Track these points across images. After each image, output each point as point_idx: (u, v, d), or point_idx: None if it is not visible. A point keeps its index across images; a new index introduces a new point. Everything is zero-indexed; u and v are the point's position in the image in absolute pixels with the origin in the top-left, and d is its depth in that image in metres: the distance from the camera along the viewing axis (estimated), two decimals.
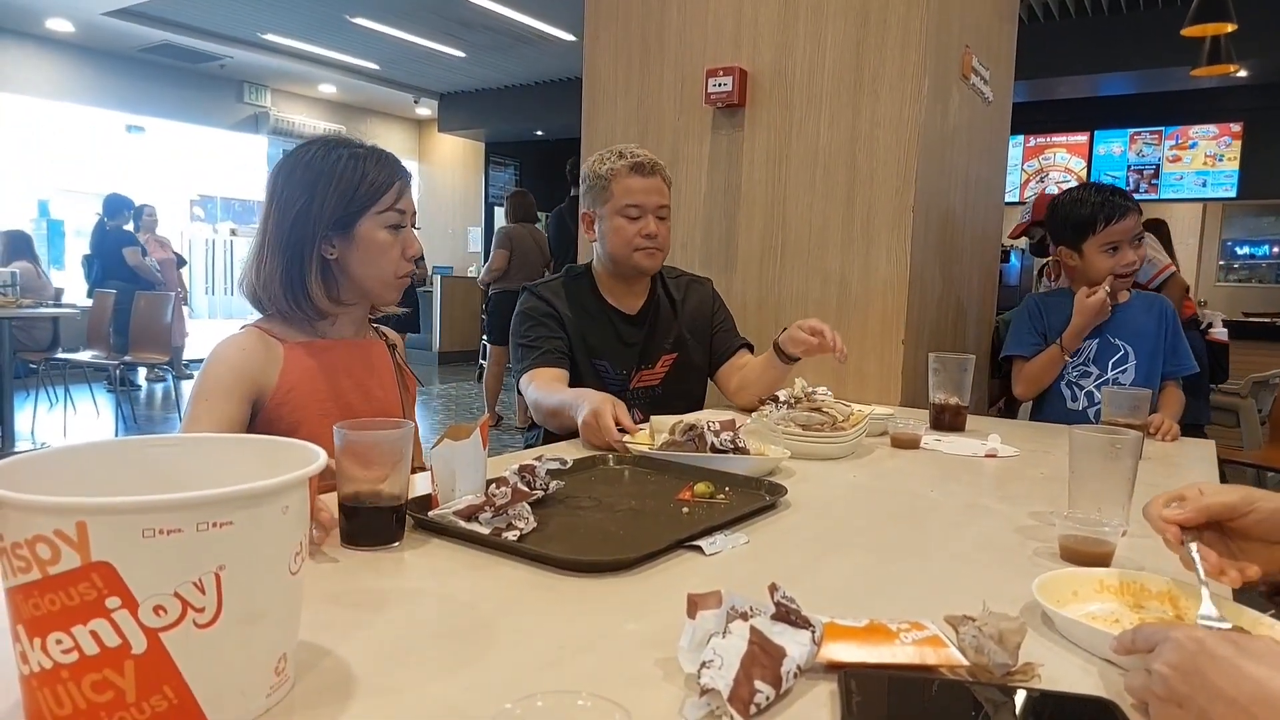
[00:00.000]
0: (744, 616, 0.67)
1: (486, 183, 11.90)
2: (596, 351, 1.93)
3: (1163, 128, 8.00)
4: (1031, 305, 2.34)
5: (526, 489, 1.06)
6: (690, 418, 1.45)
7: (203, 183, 11.37)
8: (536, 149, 11.93)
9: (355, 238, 1.33)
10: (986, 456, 1.60)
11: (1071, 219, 2.19)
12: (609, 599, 0.83)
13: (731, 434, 1.38)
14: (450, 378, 9.37)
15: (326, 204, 1.30)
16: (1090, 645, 0.74)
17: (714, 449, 1.35)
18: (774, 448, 1.43)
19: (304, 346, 1.35)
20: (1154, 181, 8.03)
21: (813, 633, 0.67)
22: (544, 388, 1.75)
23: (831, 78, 2.34)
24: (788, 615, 0.68)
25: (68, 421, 5.97)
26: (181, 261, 7.83)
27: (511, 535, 0.96)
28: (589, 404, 1.50)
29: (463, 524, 0.98)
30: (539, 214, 12.63)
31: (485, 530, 0.97)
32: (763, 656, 0.63)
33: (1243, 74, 6.49)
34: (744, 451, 1.37)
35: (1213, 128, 7.81)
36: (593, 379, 1.90)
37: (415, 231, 1.42)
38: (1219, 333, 3.43)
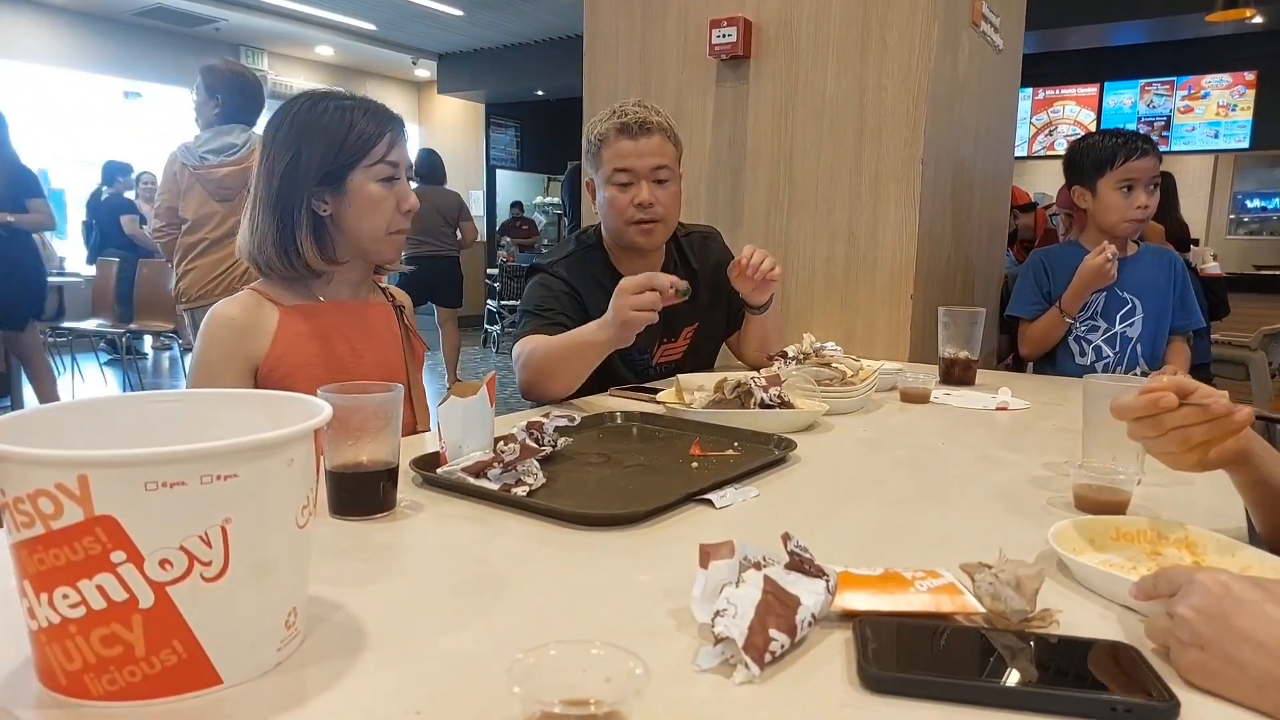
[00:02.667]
0: (757, 566, 0.67)
1: (487, 145, 11.77)
2: None
3: (1174, 78, 7.84)
4: (1036, 263, 2.30)
5: (535, 445, 1.05)
6: (735, 375, 1.43)
7: None
8: (537, 109, 11.78)
9: (347, 192, 1.28)
10: (997, 410, 1.59)
11: (1090, 154, 2.15)
12: (619, 552, 0.83)
13: (778, 389, 1.37)
14: None
15: (314, 158, 1.26)
16: (1108, 592, 0.73)
17: (762, 404, 1.34)
18: (811, 402, 1.42)
19: (298, 310, 1.32)
20: (1165, 133, 7.89)
21: (827, 581, 0.66)
22: (538, 345, 1.56)
23: (838, 25, 2.29)
24: (801, 565, 0.67)
25: (75, 390, 5.99)
26: None
27: (520, 491, 0.96)
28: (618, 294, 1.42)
29: (471, 480, 0.98)
30: (541, 176, 12.47)
31: (494, 486, 0.97)
32: (777, 605, 0.62)
33: (1258, 20, 6.33)
34: (789, 406, 1.36)
35: (1226, 77, 7.65)
36: (615, 359, 1.72)
37: (411, 185, 1.36)
38: (1211, 268, 3.41)
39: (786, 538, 0.69)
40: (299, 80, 10.47)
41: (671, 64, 2.58)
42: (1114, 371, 2.18)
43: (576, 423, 1.22)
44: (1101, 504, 0.96)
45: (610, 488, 1.04)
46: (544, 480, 1.00)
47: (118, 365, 6.58)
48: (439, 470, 1.01)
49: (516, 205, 11.18)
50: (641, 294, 1.39)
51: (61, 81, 9.03)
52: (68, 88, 9.23)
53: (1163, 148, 7.69)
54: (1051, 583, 0.75)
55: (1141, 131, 2.46)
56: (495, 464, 0.99)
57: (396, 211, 1.32)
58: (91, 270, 6.36)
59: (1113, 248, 2.05)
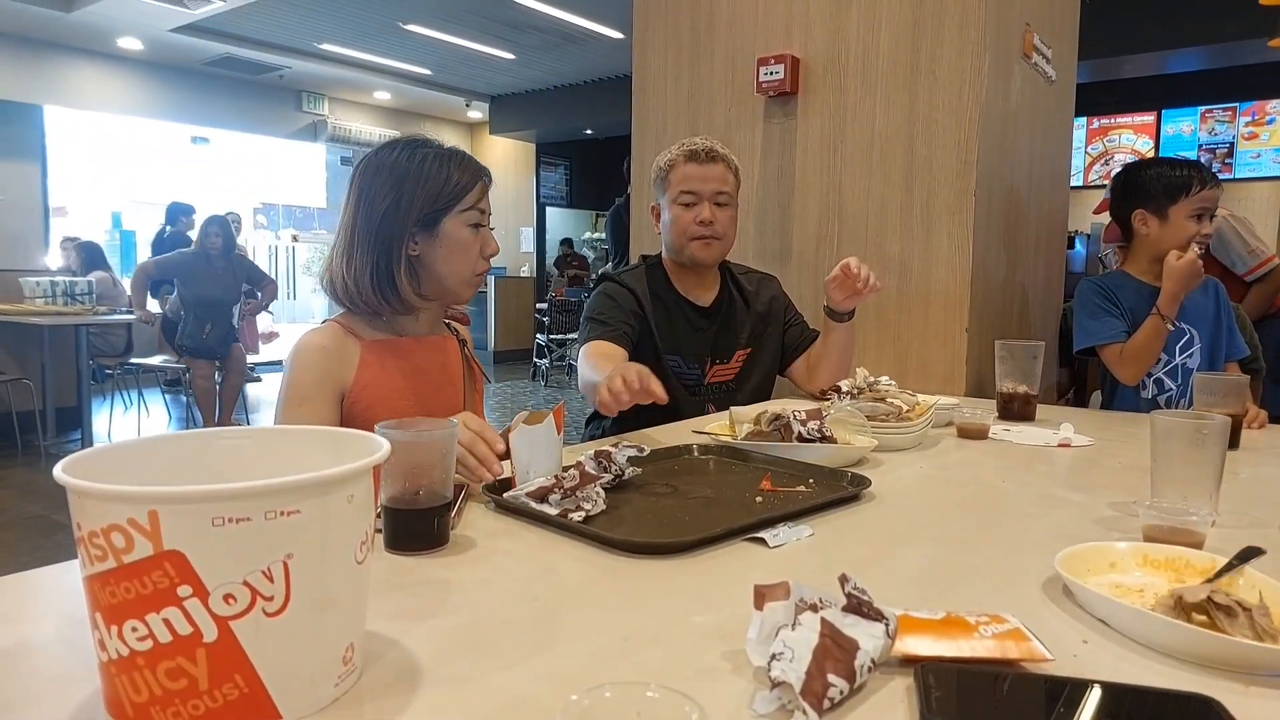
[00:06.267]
0: (814, 608, 0.65)
1: (538, 183, 11.99)
2: (670, 344, 1.91)
3: (1237, 104, 7.64)
4: (1095, 289, 2.18)
5: (594, 473, 1.06)
6: (775, 406, 1.42)
7: (265, 191, 11.68)
8: (586, 148, 11.97)
9: (439, 235, 1.35)
10: (1059, 446, 1.54)
11: (1164, 180, 2.09)
12: (673, 590, 0.82)
13: (818, 423, 1.35)
14: (505, 376, 9.48)
15: (415, 202, 1.32)
16: (1112, 619, 0.72)
17: (800, 438, 1.33)
18: (859, 437, 1.39)
19: (381, 344, 1.37)
20: (1228, 160, 7.68)
21: (886, 625, 0.64)
22: (591, 360, 1.69)
23: (887, 60, 2.29)
24: (859, 607, 0.66)
25: (141, 424, 6.19)
26: None
27: (577, 516, 0.97)
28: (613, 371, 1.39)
29: (534, 505, 1.00)
30: (589, 212, 12.65)
31: (553, 511, 0.98)
32: (835, 649, 0.60)
33: None
34: (831, 440, 1.34)
35: None
36: (669, 375, 1.87)
37: (491, 231, 1.43)
38: None
39: (844, 579, 0.67)
40: (358, 124, 10.83)
41: (719, 101, 2.61)
42: (1176, 404, 2.11)
43: (645, 453, 1.21)
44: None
45: (667, 518, 1.03)
46: (604, 507, 1.01)
47: (180, 399, 6.79)
48: (505, 495, 1.05)
49: (566, 242, 11.35)
50: (625, 386, 1.34)
51: (133, 128, 9.49)
52: (139, 134, 9.69)
53: (1227, 175, 7.55)
54: (1101, 628, 0.73)
55: (1203, 159, 2.41)
56: (556, 489, 1.01)
57: (480, 256, 1.39)
58: (155, 306, 6.61)
59: (1197, 248, 2.00)
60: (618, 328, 1.81)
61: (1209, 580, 0.75)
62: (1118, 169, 2.31)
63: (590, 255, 11.80)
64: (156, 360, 6.00)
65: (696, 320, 1.95)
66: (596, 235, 12.45)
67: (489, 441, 1.11)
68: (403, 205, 1.32)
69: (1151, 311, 2.02)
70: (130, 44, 8.26)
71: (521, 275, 11.71)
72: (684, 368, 1.92)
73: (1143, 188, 2.13)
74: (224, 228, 5.59)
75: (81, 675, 0.60)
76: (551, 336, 8.95)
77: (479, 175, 1.38)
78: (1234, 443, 1.46)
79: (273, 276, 7.24)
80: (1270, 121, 7.56)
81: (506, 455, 1.11)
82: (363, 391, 1.32)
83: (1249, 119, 7.64)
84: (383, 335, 1.39)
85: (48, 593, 0.81)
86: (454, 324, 1.56)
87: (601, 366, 1.62)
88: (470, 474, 1.09)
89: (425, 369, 1.41)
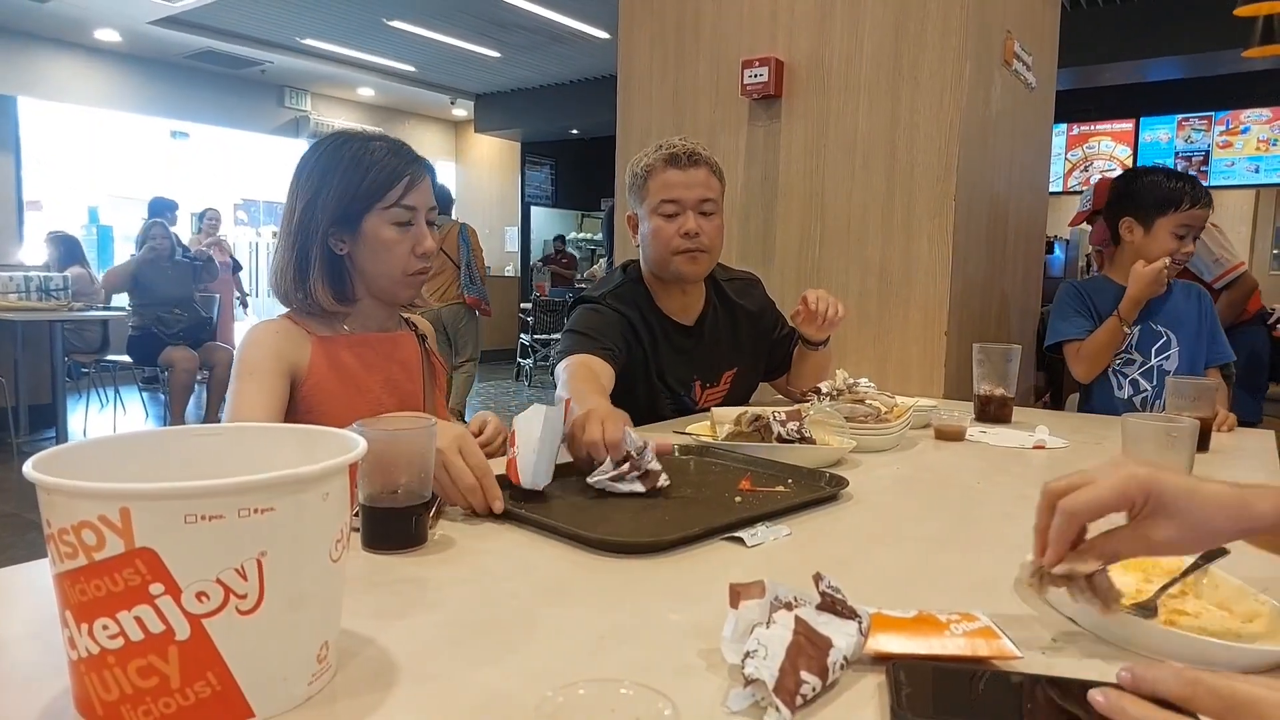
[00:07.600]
0: (788, 606, 0.66)
1: (523, 182, 11.96)
2: (656, 369, 1.78)
3: (1212, 113, 7.76)
4: (1073, 290, 2.27)
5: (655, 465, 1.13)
6: (755, 409, 1.43)
7: (246, 187, 11.57)
8: (572, 148, 11.96)
9: (361, 234, 1.30)
10: (1034, 448, 1.56)
11: (1155, 191, 2.14)
12: (650, 589, 0.82)
13: (798, 424, 1.35)
14: (488, 376, 9.45)
15: (329, 201, 1.28)
16: (1080, 617, 0.74)
17: (780, 439, 1.33)
18: (838, 438, 1.40)
19: (330, 341, 1.34)
20: (1204, 168, 7.79)
21: (859, 623, 0.65)
22: (574, 380, 1.48)
23: (870, 65, 2.30)
24: (833, 605, 0.66)
25: (118, 422, 6.12)
26: (237, 266, 7.89)
27: (664, 482, 1.10)
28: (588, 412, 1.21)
29: (620, 487, 1.08)
30: (575, 212, 12.59)
31: (641, 489, 1.09)
32: (809, 647, 0.61)
33: None
34: (810, 441, 1.35)
35: (1266, 111, 7.55)
36: (659, 401, 1.78)
37: (433, 228, 1.36)
38: None
39: (819, 578, 0.68)
40: (340, 120, 10.76)
41: (704, 103, 2.62)
42: (1152, 405, 2.16)
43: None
44: None
45: (646, 517, 1.04)
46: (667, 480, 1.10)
47: (158, 397, 6.72)
48: (588, 479, 1.11)
49: (559, 239, 11.34)
50: (593, 439, 1.15)
51: (111, 122, 9.37)
52: (117, 128, 9.58)
53: (1202, 183, 7.64)
54: (1070, 626, 0.74)
55: (1180, 167, 2.46)
56: (627, 465, 1.09)
57: (411, 254, 1.33)
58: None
59: (1167, 260, 2.06)
60: (604, 342, 1.63)
61: (1175, 580, 0.77)
62: (1096, 176, 2.37)
63: (576, 255, 11.79)
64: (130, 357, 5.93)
65: (680, 341, 1.80)
66: (582, 235, 12.43)
67: (486, 489, 1.00)
68: (318, 204, 1.28)
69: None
70: (108, 35, 8.15)
71: (506, 275, 11.68)
72: (672, 394, 1.80)
73: (1135, 195, 2.18)
74: (166, 230, 5.89)
75: (51, 673, 0.60)
76: (536, 336, 8.93)
77: (402, 171, 1.30)
78: (1204, 445, 1.49)
79: (230, 262, 7.33)
80: (1244, 131, 7.67)
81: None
82: (313, 388, 1.30)
83: (1224, 128, 7.75)
84: (331, 333, 1.35)
85: (17, 591, 0.80)
86: (413, 319, 1.53)
87: (581, 387, 1.43)
88: (457, 499, 1.01)
89: (378, 367, 1.38)
